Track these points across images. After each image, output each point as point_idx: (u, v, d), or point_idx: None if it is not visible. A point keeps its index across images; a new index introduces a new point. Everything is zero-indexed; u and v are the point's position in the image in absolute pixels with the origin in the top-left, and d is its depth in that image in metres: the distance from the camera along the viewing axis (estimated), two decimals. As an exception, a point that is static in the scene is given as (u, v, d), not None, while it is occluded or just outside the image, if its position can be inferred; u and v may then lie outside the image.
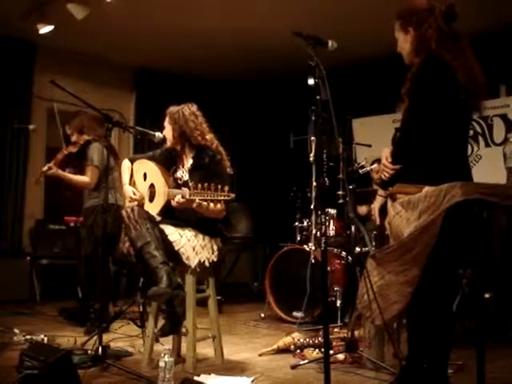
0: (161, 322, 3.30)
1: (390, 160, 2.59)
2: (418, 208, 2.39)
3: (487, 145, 6.34)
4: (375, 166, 4.16)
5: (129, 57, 7.31)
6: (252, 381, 3.12)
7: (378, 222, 4.84)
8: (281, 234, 6.40)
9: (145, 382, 3.02)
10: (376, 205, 4.89)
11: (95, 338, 3.39)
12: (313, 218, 5.09)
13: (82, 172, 4.68)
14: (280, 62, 7.10)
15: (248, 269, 7.98)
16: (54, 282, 6.28)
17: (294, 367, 3.42)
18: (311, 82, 2.44)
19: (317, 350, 3.67)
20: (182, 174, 3.58)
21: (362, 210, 5.54)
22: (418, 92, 2.48)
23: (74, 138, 4.78)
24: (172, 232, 3.33)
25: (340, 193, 4.68)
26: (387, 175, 2.61)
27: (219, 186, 2.97)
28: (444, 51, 2.47)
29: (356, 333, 3.63)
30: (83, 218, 4.75)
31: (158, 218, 3.42)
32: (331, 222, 5.39)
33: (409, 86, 2.51)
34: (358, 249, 4.85)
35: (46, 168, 4.68)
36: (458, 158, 2.57)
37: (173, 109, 3.62)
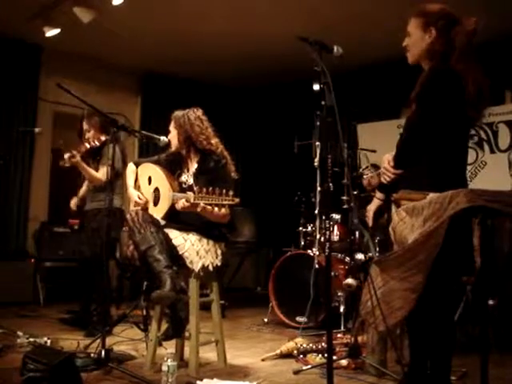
0: (164, 326, 3.31)
1: (391, 164, 2.60)
2: (423, 214, 2.39)
3: (492, 151, 6.33)
4: (369, 174, 4.14)
5: (134, 60, 7.33)
6: (254, 386, 3.12)
7: (370, 223, 4.82)
8: (285, 238, 6.38)
9: (147, 386, 3.02)
10: (372, 207, 4.86)
11: (98, 341, 3.39)
12: (317, 222, 5.09)
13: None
14: (285, 66, 7.11)
15: (251, 273, 7.97)
16: (57, 285, 6.29)
17: (296, 372, 3.41)
18: (316, 87, 2.44)
19: (320, 355, 3.67)
20: (187, 178, 3.59)
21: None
22: (427, 98, 2.47)
23: (90, 135, 4.61)
24: (176, 236, 3.34)
25: (344, 198, 4.69)
26: (388, 179, 2.62)
27: (224, 191, 2.97)
28: (460, 63, 2.47)
29: (359, 338, 3.62)
30: (84, 220, 4.74)
31: (163, 222, 3.42)
32: (335, 227, 5.39)
33: (418, 90, 2.51)
34: (361, 254, 4.85)
35: (68, 155, 4.45)
36: (459, 167, 2.58)
37: (178, 113, 3.62)
